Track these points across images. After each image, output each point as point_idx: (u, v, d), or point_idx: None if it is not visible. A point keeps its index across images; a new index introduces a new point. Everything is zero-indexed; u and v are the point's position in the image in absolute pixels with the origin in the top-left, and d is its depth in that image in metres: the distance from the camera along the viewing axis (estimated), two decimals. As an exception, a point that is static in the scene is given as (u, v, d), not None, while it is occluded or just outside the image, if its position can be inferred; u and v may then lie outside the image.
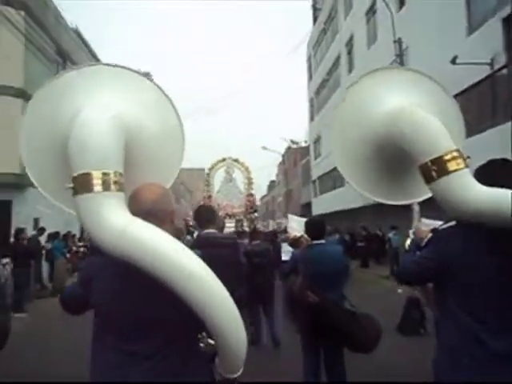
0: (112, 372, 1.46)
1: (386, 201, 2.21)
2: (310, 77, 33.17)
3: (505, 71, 10.13)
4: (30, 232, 10.79)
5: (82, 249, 13.25)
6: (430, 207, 1.83)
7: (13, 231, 9.63)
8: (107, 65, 1.82)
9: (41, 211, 10.99)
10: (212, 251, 2.97)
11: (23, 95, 11.77)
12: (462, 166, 1.72)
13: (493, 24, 10.08)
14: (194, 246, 3.10)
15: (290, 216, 6.94)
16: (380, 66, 2.16)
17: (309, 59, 33.59)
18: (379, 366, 4.43)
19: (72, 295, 1.66)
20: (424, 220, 3.78)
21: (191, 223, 4.78)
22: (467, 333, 1.66)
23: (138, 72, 1.86)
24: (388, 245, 14.34)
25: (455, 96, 10.67)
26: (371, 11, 19.22)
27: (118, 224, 1.40)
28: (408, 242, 5.20)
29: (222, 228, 10.95)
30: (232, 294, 1.46)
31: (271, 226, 22.05)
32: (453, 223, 1.86)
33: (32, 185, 1.77)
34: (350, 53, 22.78)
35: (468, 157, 1.78)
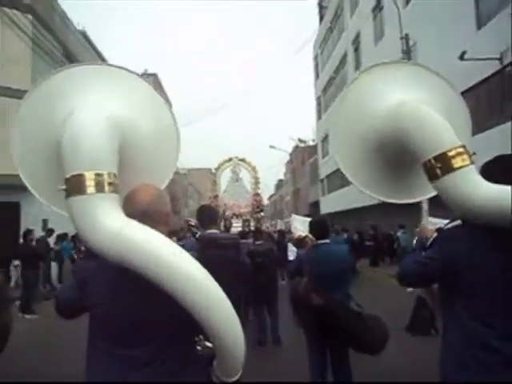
0: (109, 377, 1.43)
1: (390, 199, 2.14)
2: (317, 75, 33.07)
3: (514, 66, 9.97)
4: (39, 233, 10.88)
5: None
6: (439, 206, 1.76)
7: (21, 233, 9.70)
8: (100, 64, 1.80)
9: (49, 212, 10.95)
10: (214, 252, 2.96)
11: (31, 98, 11.84)
12: (468, 162, 1.65)
13: (502, 18, 9.90)
14: (196, 246, 3.07)
15: (293, 216, 6.91)
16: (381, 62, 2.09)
17: (315, 58, 33.48)
18: (387, 367, 4.36)
19: (66, 299, 1.63)
20: (430, 219, 3.70)
21: (193, 223, 4.75)
22: (473, 337, 1.60)
23: (132, 72, 1.83)
24: (396, 244, 14.22)
25: (464, 92, 10.58)
26: (378, 8, 19.07)
27: (113, 226, 1.37)
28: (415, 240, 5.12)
29: (228, 228, 10.99)
30: (229, 294, 1.43)
31: (279, 225, 22.00)
32: (458, 222, 1.79)
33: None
34: (356, 50, 22.65)
35: (474, 153, 1.71)
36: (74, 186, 1.42)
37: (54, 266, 11.25)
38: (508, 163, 1.74)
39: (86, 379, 1.50)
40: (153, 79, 29.38)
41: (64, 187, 1.44)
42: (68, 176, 1.44)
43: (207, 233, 3.26)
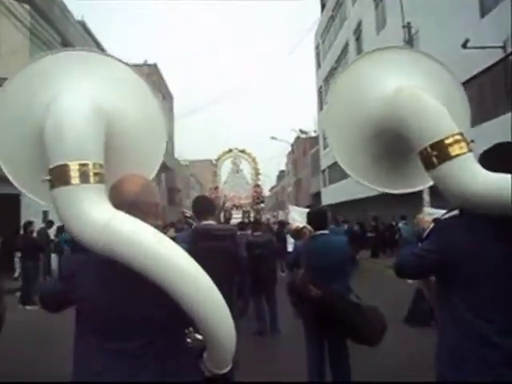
0: (98, 372, 1.40)
1: (386, 189, 2.09)
2: (319, 65, 32.81)
3: (518, 54, 9.83)
4: (39, 225, 10.88)
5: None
6: (442, 196, 1.71)
7: (22, 224, 9.71)
8: (86, 50, 1.74)
9: (50, 204, 11.03)
10: (208, 243, 2.92)
11: (29, 89, 11.76)
12: (466, 150, 1.59)
13: (505, 7, 9.72)
14: (190, 238, 3.04)
15: (291, 207, 6.88)
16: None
17: (317, 47, 33.20)
18: (386, 358, 4.37)
19: (51, 292, 1.60)
20: (427, 209, 3.64)
21: (188, 215, 4.71)
22: (471, 330, 1.56)
23: (119, 60, 1.77)
24: (398, 235, 14.19)
25: (467, 81, 10.46)
26: (380, -4, 18.82)
27: (100, 218, 1.33)
28: (416, 231, 5.07)
29: (228, 219, 10.97)
30: (221, 286, 1.41)
31: (280, 216, 22.01)
32: (456, 212, 1.74)
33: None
34: (358, 39, 22.42)
35: (472, 140, 1.65)
36: (58, 176, 1.38)
37: (54, 257, 11.28)
38: (507, 151, 1.68)
39: (74, 376, 1.47)
40: (153, 69, 29.21)
41: (48, 178, 1.40)
42: (52, 166, 1.39)
43: (202, 224, 3.21)
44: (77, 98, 1.52)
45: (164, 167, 30.30)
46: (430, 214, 3.10)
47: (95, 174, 1.41)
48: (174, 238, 2.25)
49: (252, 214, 13.69)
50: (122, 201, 1.45)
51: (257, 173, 15.20)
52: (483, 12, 10.94)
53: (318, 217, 3.56)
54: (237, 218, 12.32)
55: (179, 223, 9.75)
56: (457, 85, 2.05)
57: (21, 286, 8.66)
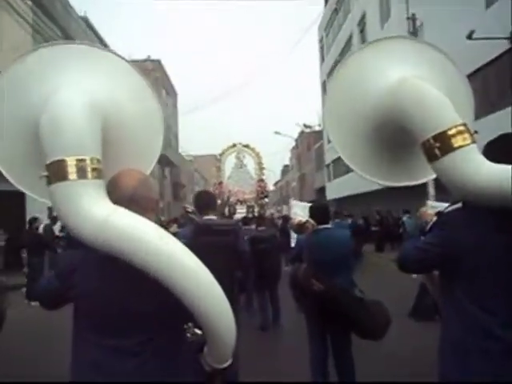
0: (96, 370, 1.39)
1: (388, 182, 2.06)
2: (323, 59, 32.59)
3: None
4: (45, 221, 10.92)
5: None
6: (447, 190, 1.67)
7: (27, 220, 9.75)
8: (84, 44, 1.72)
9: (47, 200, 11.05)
10: (209, 238, 2.91)
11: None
12: (469, 141, 1.56)
13: (511, -4, 9.58)
14: (192, 233, 3.02)
15: (293, 202, 6.85)
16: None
17: (321, 40, 32.96)
18: (390, 352, 4.35)
19: (47, 289, 1.58)
20: (430, 202, 3.60)
21: (190, 210, 4.70)
22: (475, 323, 1.54)
23: (117, 54, 1.76)
24: (402, 229, 14.11)
25: (473, 72, 10.34)
26: (384, -13, 18.61)
27: (99, 214, 1.32)
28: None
29: (232, 214, 10.97)
30: (222, 280, 1.39)
31: (285, 211, 22.01)
32: (459, 205, 1.70)
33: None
34: (362, 32, 22.23)
35: (475, 131, 1.61)
36: (56, 172, 1.36)
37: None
38: (511, 142, 1.64)
39: (72, 373, 1.45)
40: (157, 65, 29.15)
41: (45, 174, 1.38)
42: (49, 162, 1.37)
43: (203, 219, 3.20)
44: (74, 93, 1.50)
45: (168, 162, 30.36)
46: (433, 207, 3.06)
47: (93, 170, 1.39)
48: (175, 234, 2.25)
49: (256, 209, 13.71)
50: (120, 196, 1.44)
51: (261, 167, 15.20)
52: (488, 3, 10.80)
53: (320, 211, 3.54)
54: (241, 212, 12.36)
55: (182, 218, 9.77)
56: (461, 76, 2.01)
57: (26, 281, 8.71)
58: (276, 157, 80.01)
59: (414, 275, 6.43)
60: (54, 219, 11.24)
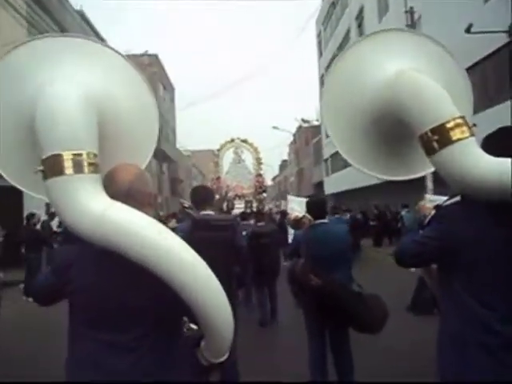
0: (92, 366, 1.39)
1: (386, 176, 2.05)
2: (321, 53, 32.49)
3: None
4: (42, 217, 10.89)
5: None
6: (445, 184, 1.67)
7: (24, 216, 9.72)
8: (78, 37, 1.69)
9: (37, 195, 10.99)
10: (205, 233, 2.89)
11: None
12: (467, 134, 1.55)
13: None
14: (189, 228, 3.01)
15: (289, 197, 6.84)
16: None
17: (318, 35, 32.82)
18: (389, 346, 4.36)
19: (43, 285, 1.57)
20: (429, 196, 3.59)
21: (186, 205, 4.69)
22: (473, 317, 1.53)
23: (112, 48, 1.74)
24: (400, 223, 14.13)
25: (471, 66, 10.31)
26: (382, -19, 18.50)
27: (96, 208, 1.32)
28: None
29: (231, 209, 10.95)
30: (219, 275, 1.39)
31: (283, 206, 22.04)
32: (457, 199, 1.69)
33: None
34: (360, 26, 22.15)
35: (474, 124, 1.60)
36: (52, 166, 1.35)
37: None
38: (510, 135, 1.63)
39: (68, 369, 1.45)
40: (154, 60, 28.98)
41: (41, 168, 1.37)
42: (45, 156, 1.36)
43: (200, 214, 3.18)
44: (70, 85, 1.48)
45: (166, 158, 30.29)
46: (432, 200, 3.03)
47: (90, 164, 1.38)
48: (174, 229, 2.23)
49: (254, 204, 13.70)
50: (117, 190, 1.43)
51: (259, 162, 15.18)
52: (488, -4, 10.74)
53: (317, 206, 3.52)
54: (239, 207, 12.35)
55: (180, 214, 9.77)
56: (459, 69, 2.00)
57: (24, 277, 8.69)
58: (274, 152, 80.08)
59: (413, 269, 6.46)
60: (51, 215, 11.22)
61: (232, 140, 15.35)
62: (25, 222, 9.32)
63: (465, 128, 1.55)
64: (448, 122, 1.55)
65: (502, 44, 10.23)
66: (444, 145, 1.55)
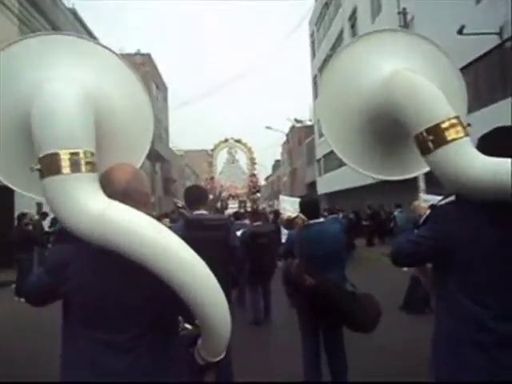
0: (87, 366, 1.37)
1: (381, 176, 2.05)
2: (314, 54, 32.54)
3: (514, 40, 9.75)
4: (34, 217, 10.77)
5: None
6: (437, 184, 1.68)
7: (16, 216, 9.62)
8: (72, 35, 1.68)
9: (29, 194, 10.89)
10: (199, 233, 2.87)
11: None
12: (462, 134, 1.55)
13: (502, -9, 9.63)
14: (183, 228, 2.99)
15: (281, 197, 6.85)
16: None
17: (312, 35, 32.88)
18: (382, 345, 4.38)
19: (36, 285, 1.55)
20: (423, 196, 3.60)
21: (180, 205, 4.68)
22: (468, 316, 1.54)
23: (106, 47, 1.73)
24: (393, 223, 14.21)
25: (463, 67, 10.39)
26: (375, -18, 18.59)
27: (95, 208, 1.31)
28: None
29: (225, 209, 10.92)
30: (216, 273, 1.40)
31: (276, 205, 22.10)
32: (452, 198, 1.70)
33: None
34: (353, 27, 22.23)
35: (468, 124, 1.61)
36: (49, 165, 1.33)
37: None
38: (505, 135, 1.64)
39: (62, 369, 1.43)
40: (147, 59, 28.85)
41: (38, 167, 1.35)
42: (42, 155, 1.34)
43: (194, 214, 3.16)
44: (65, 82, 1.47)
45: (159, 157, 30.16)
46: (426, 200, 3.06)
47: (87, 163, 1.37)
48: (169, 228, 2.22)
49: (248, 204, 13.70)
50: (114, 190, 1.42)
51: (253, 162, 15.19)
52: (479, -3, 10.84)
53: (310, 206, 3.51)
54: (233, 207, 12.35)
55: (173, 214, 9.75)
56: (453, 68, 2.01)
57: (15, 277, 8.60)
58: (267, 151, 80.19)
59: (405, 268, 6.51)
60: (43, 215, 11.11)
61: (226, 140, 15.34)
62: (16, 222, 9.21)
63: (459, 128, 1.56)
64: (443, 122, 1.56)
65: (493, 45, 10.34)
66: (439, 145, 1.56)
